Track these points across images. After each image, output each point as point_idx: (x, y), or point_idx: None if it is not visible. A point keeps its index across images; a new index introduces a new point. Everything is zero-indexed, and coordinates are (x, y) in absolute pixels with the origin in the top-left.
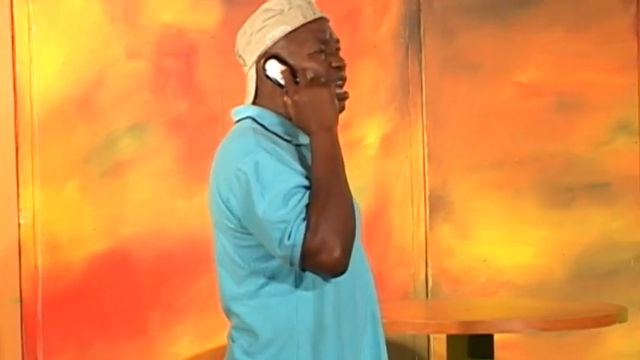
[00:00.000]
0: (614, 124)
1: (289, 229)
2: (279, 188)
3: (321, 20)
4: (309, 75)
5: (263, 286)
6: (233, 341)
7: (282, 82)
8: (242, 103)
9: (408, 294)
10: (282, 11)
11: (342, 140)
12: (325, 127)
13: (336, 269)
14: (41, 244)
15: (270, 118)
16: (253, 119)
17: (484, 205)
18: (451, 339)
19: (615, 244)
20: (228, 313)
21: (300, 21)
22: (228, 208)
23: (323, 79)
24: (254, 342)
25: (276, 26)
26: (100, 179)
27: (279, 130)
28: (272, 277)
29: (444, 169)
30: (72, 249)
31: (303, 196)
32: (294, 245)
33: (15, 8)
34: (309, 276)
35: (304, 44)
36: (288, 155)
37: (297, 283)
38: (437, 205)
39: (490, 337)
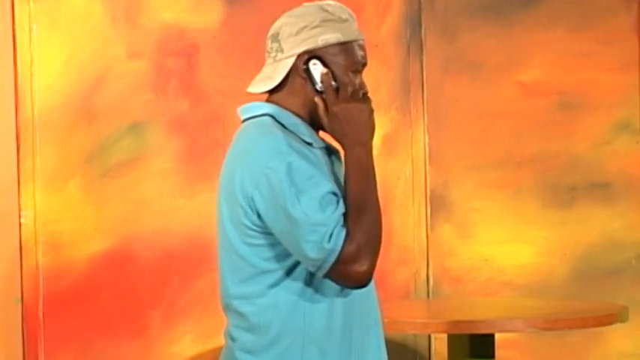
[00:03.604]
0: (616, 123)
1: (329, 233)
2: (315, 192)
3: (364, 43)
4: (350, 89)
5: (272, 285)
6: (233, 340)
7: (319, 84)
8: (243, 102)
9: (410, 293)
10: (341, 19)
11: None
12: (362, 142)
13: (362, 281)
14: (42, 244)
15: (288, 118)
16: (272, 117)
17: (485, 204)
18: (452, 338)
19: (617, 243)
20: (230, 311)
21: (353, 36)
22: (249, 204)
23: (361, 96)
24: (258, 340)
25: (331, 31)
26: (101, 179)
27: (298, 130)
28: (282, 278)
29: (445, 169)
30: (73, 249)
31: (339, 203)
32: (332, 250)
33: (16, 8)
34: (320, 278)
35: (349, 59)
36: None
37: (308, 285)
38: (438, 204)
39: (491, 336)
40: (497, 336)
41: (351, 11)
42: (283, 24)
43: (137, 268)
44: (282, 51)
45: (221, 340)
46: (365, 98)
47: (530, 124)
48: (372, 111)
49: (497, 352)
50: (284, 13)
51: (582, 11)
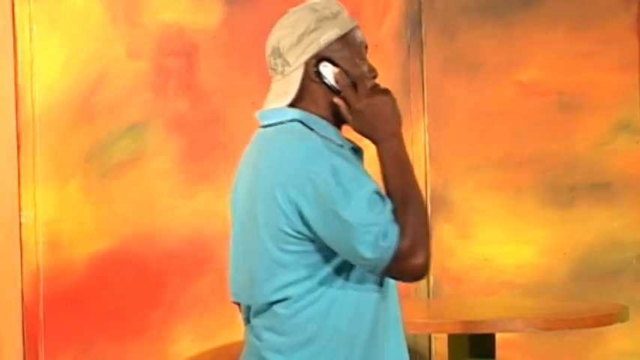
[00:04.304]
0: (616, 123)
1: (383, 231)
2: (362, 192)
3: (358, 24)
4: (368, 83)
5: (312, 290)
6: (260, 340)
7: (335, 85)
8: (243, 102)
9: (410, 293)
10: (333, 14)
11: None
12: (393, 134)
13: (421, 273)
14: (42, 244)
15: (316, 122)
16: (302, 122)
17: (485, 204)
18: (452, 338)
19: (616, 243)
20: (261, 313)
21: (349, 26)
22: (293, 211)
23: (382, 87)
24: (288, 341)
25: (329, 29)
26: (101, 179)
27: (328, 134)
28: (320, 283)
29: (445, 169)
30: (73, 248)
31: (385, 201)
32: (389, 247)
33: (16, 8)
34: (357, 280)
35: (353, 49)
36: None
37: (344, 288)
38: (438, 204)
39: (491, 336)
40: (497, 336)
41: (337, 1)
42: (280, 37)
43: (137, 267)
44: (288, 64)
45: (221, 339)
46: (385, 90)
47: (530, 124)
48: (394, 101)
49: (498, 352)
50: (275, 27)
51: (582, 11)
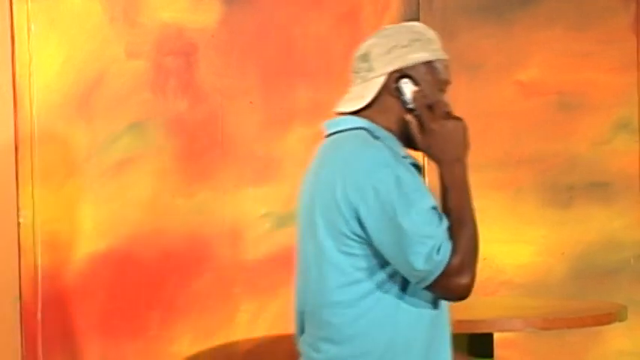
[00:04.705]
0: (615, 123)
1: (438, 245)
2: (422, 205)
3: (447, 62)
4: (446, 108)
5: (363, 296)
6: (317, 352)
7: (412, 102)
8: (242, 101)
9: None
10: (428, 39)
11: None
12: (459, 159)
13: (464, 293)
14: (41, 244)
15: (382, 133)
16: (368, 131)
17: (485, 204)
18: (451, 338)
19: (615, 242)
20: (314, 320)
21: (440, 55)
22: (352, 215)
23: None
24: (343, 351)
25: (420, 50)
26: (99, 178)
27: (393, 145)
28: (374, 290)
29: None
30: (72, 248)
31: (442, 218)
32: (441, 262)
33: (14, 8)
34: (411, 291)
35: (437, 77)
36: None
37: (399, 298)
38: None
39: (490, 335)
40: (496, 335)
41: (434, 32)
42: (373, 44)
43: (136, 267)
44: (372, 70)
45: (220, 339)
46: (459, 117)
47: (530, 123)
48: (467, 129)
49: (497, 352)
50: (374, 34)
51: (581, 11)
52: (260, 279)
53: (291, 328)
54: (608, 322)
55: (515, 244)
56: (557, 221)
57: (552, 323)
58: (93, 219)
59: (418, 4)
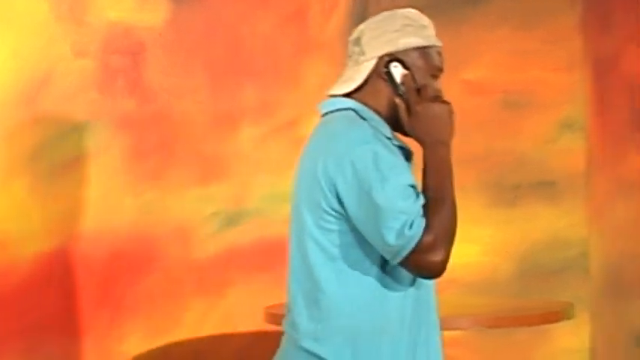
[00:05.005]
0: (560, 122)
1: (410, 221)
2: (398, 181)
3: (441, 50)
4: (433, 91)
5: (342, 273)
6: (296, 329)
7: (400, 85)
8: (189, 100)
9: None
10: (421, 25)
11: (290, 138)
12: (442, 142)
13: (437, 271)
14: None
15: (369, 114)
16: (356, 112)
17: None
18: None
19: (561, 241)
20: (297, 297)
21: (432, 41)
22: (330, 189)
23: (444, 98)
24: (325, 328)
25: (411, 35)
26: (48, 177)
27: (379, 126)
28: (353, 266)
29: None
30: (20, 247)
31: (418, 195)
32: (412, 237)
33: None
34: (391, 271)
35: (428, 63)
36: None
37: (380, 277)
38: None
39: None
40: (444, 334)
41: (428, 19)
42: (365, 28)
43: (84, 266)
44: (363, 54)
45: (170, 338)
46: (446, 100)
47: (475, 122)
48: (452, 113)
49: (445, 350)
50: (368, 20)
51: (527, 10)
52: (209, 278)
53: (239, 327)
54: (556, 321)
55: (462, 244)
56: (503, 220)
57: (500, 321)
58: (41, 218)
59: (366, 2)
